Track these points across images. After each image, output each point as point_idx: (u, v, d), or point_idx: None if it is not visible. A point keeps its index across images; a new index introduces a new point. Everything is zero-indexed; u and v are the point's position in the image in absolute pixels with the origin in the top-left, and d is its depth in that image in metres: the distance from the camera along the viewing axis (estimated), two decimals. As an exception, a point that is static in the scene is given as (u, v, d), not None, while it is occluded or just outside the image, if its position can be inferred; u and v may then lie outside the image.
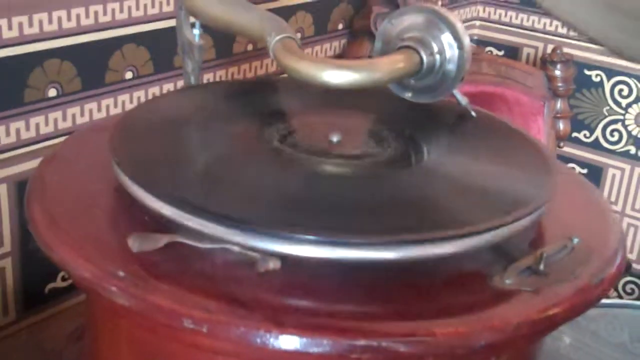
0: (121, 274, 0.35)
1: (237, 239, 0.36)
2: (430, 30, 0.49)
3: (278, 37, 0.50)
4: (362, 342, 0.34)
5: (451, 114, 0.52)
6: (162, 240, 0.36)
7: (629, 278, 1.25)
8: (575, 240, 0.41)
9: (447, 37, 0.48)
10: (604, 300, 1.08)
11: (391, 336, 0.34)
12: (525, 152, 0.49)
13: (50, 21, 0.67)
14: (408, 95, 0.51)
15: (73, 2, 0.68)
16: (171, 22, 0.76)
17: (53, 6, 0.66)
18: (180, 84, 0.80)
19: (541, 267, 0.38)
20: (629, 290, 1.27)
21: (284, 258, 0.36)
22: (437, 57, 0.49)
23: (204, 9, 0.59)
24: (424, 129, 0.51)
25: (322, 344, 0.34)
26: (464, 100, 0.51)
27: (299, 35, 0.92)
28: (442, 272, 0.38)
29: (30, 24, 0.65)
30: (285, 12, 0.89)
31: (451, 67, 0.48)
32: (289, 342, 0.33)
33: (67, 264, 0.37)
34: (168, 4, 0.76)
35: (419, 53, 0.48)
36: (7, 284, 0.71)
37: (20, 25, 0.64)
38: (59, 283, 0.76)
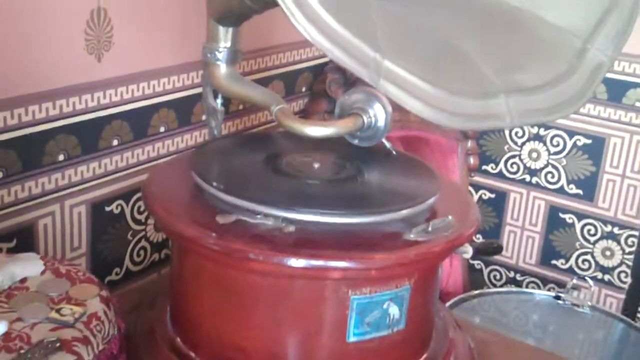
0: (213, 234, 0.67)
1: (272, 212, 0.68)
2: (369, 102, 0.82)
3: (277, 107, 0.83)
4: (335, 263, 0.66)
5: (381, 152, 0.86)
6: (232, 217, 0.68)
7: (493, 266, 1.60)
8: (450, 217, 0.75)
9: (378, 107, 0.82)
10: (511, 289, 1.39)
11: (351, 260, 0.67)
12: (425, 173, 0.83)
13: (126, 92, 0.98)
14: (355, 141, 0.84)
15: (127, 81, 1.00)
16: (187, 93, 1.09)
17: (119, 84, 0.98)
18: (196, 135, 1.13)
19: (429, 229, 0.72)
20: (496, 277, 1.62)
21: (296, 223, 0.69)
22: (372, 119, 0.82)
23: (224, 87, 0.91)
24: (364, 161, 0.84)
25: (314, 264, 0.66)
26: (388, 144, 0.85)
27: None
28: (380, 231, 0.71)
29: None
30: (265, 81, 1.22)
31: (381, 125, 0.82)
32: (299, 263, 0.66)
33: (179, 231, 0.69)
34: (188, 79, 1.09)
35: (362, 117, 0.81)
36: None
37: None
38: (113, 276, 1.07)
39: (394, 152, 0.86)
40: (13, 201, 0.89)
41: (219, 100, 0.92)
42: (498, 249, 1.19)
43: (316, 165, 0.80)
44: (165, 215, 0.71)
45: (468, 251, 1.09)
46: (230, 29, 0.88)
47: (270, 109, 0.83)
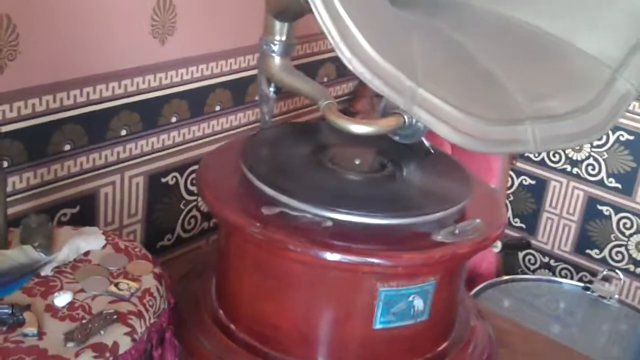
0: (258, 224, 0.74)
1: (311, 209, 0.75)
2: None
3: (325, 102, 0.88)
4: (366, 259, 0.73)
5: (420, 150, 0.91)
6: (276, 210, 0.75)
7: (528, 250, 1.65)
8: (477, 221, 0.80)
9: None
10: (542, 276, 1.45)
11: (382, 257, 0.73)
12: (459, 175, 0.88)
13: (186, 73, 1.05)
14: (396, 138, 0.90)
15: (187, 63, 1.07)
16: (242, 75, 1.15)
17: (180, 66, 1.05)
18: (249, 113, 1.19)
19: (457, 231, 0.78)
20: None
21: (333, 220, 0.75)
22: (413, 119, 0.87)
23: (277, 77, 0.97)
24: (404, 158, 0.89)
25: (347, 259, 0.73)
26: (427, 143, 0.90)
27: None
28: (410, 231, 0.77)
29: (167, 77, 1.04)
30: (317, 64, 1.28)
31: (420, 125, 0.87)
32: (333, 257, 0.72)
33: (227, 217, 0.76)
34: (244, 62, 1.15)
35: (403, 117, 0.86)
36: (137, 240, 1.10)
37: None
38: (165, 242, 1.15)
39: (432, 151, 0.91)
40: (78, 171, 0.97)
41: (272, 89, 0.98)
42: (526, 245, 1.24)
43: (357, 162, 0.86)
44: (215, 202, 0.78)
45: (497, 245, 1.15)
46: (286, 24, 0.94)
47: (318, 103, 0.89)
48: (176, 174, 1.10)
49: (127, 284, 0.70)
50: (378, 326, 0.77)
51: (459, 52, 0.67)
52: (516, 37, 0.70)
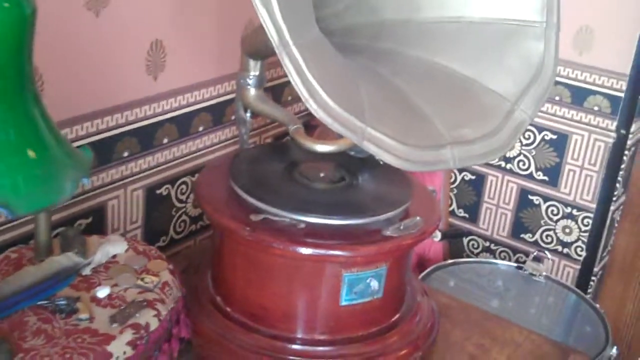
0: (247, 228, 0.95)
1: (288, 215, 0.96)
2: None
3: (294, 127, 1.09)
4: (332, 252, 0.95)
5: (372, 162, 1.13)
6: (261, 216, 0.96)
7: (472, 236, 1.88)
8: (418, 218, 1.02)
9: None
10: (484, 259, 1.68)
11: (345, 250, 0.95)
12: (404, 181, 1.10)
13: (175, 102, 1.25)
14: (352, 153, 1.11)
15: (175, 93, 1.27)
16: (221, 99, 1.36)
17: (170, 96, 1.25)
18: (226, 131, 1.40)
19: (402, 227, 1.00)
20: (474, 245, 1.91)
21: (305, 222, 0.97)
22: (365, 138, 1.09)
23: (252, 105, 1.17)
24: (359, 169, 1.11)
25: (318, 252, 0.94)
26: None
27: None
28: (365, 229, 0.99)
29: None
30: (284, 85, 1.50)
31: (371, 143, 1.09)
32: (306, 251, 0.94)
33: (222, 224, 0.97)
34: (222, 89, 1.36)
35: (357, 137, 1.08)
36: (138, 243, 1.30)
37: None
38: (160, 243, 1.35)
39: (382, 162, 1.13)
40: (90, 189, 1.17)
41: (248, 114, 1.19)
42: (461, 234, 1.47)
43: (322, 174, 1.07)
44: (213, 212, 0.99)
45: (437, 235, 1.39)
46: (259, 62, 1.15)
47: (288, 127, 1.10)
48: (168, 186, 1.31)
49: (150, 279, 0.90)
50: (343, 303, 0.99)
51: (396, 93, 0.90)
52: (439, 79, 0.93)
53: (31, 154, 0.66)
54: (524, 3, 0.96)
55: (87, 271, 0.90)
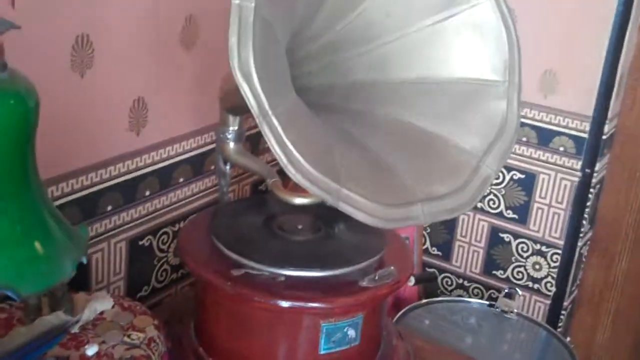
0: (229, 282, 0.99)
1: (268, 269, 1.01)
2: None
3: (272, 180, 1.15)
4: (311, 304, 0.99)
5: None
6: (242, 271, 1.01)
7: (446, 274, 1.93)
8: (392, 268, 1.07)
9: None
10: (457, 298, 1.73)
11: (322, 302, 0.99)
12: (377, 229, 1.15)
13: (156, 155, 1.30)
14: (328, 204, 1.17)
15: (157, 147, 1.31)
16: (200, 150, 1.41)
17: (152, 150, 1.30)
18: (206, 181, 1.45)
19: (377, 277, 1.05)
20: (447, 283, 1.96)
21: (285, 275, 1.01)
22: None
23: (232, 158, 1.23)
24: (335, 219, 1.16)
25: (296, 304, 0.99)
26: (352, 207, 1.18)
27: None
28: (342, 280, 1.04)
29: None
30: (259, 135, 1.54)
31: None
32: (286, 304, 0.98)
33: (205, 278, 1.02)
34: (201, 140, 1.41)
35: (332, 190, 1.14)
36: (121, 293, 1.34)
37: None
38: (143, 293, 1.39)
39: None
40: (75, 242, 1.20)
41: (228, 166, 1.24)
42: (433, 278, 1.52)
43: (299, 226, 1.12)
44: (195, 266, 1.03)
45: (411, 280, 1.44)
46: (237, 117, 1.20)
47: (266, 181, 1.15)
48: (150, 237, 1.34)
49: (137, 335, 0.94)
50: (322, 352, 1.03)
51: (368, 152, 0.95)
52: (408, 137, 0.98)
53: (37, 246, 0.70)
54: (487, 64, 1.03)
55: (75, 329, 0.94)
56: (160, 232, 1.36)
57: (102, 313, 0.99)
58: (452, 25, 1.03)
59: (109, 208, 1.24)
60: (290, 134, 0.84)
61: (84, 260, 0.79)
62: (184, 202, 1.39)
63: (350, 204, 0.86)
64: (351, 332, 1.05)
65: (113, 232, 1.26)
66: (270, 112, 0.81)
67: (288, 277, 1.01)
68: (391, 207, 0.89)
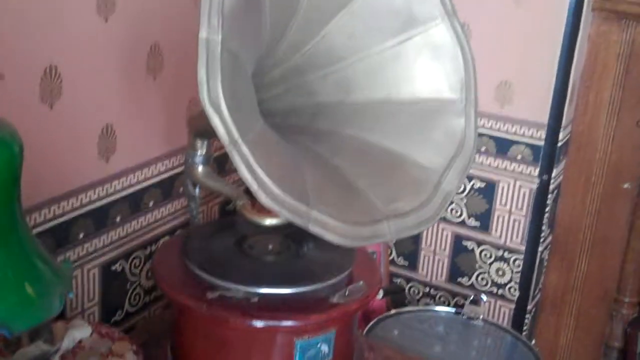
0: (204, 305, 1.02)
1: (241, 289, 1.04)
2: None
3: (241, 202, 1.18)
4: (284, 322, 1.02)
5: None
6: (216, 293, 1.03)
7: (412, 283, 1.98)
8: (361, 283, 1.11)
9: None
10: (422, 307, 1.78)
11: (295, 320, 1.03)
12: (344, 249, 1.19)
13: (126, 181, 1.32)
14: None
15: (126, 172, 1.33)
16: (169, 174, 1.43)
17: (121, 176, 1.32)
18: (175, 203, 1.47)
19: (347, 293, 1.08)
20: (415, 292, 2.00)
21: (258, 295, 1.04)
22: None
23: (200, 181, 1.25)
24: (304, 237, 1.19)
25: (270, 324, 1.02)
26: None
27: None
28: (313, 297, 1.07)
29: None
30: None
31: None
32: (260, 323, 1.01)
33: (180, 301, 1.04)
34: (170, 164, 1.43)
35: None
36: (96, 318, 1.35)
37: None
38: (117, 317, 1.41)
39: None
40: (49, 271, 1.22)
41: (197, 189, 1.26)
42: (400, 290, 1.56)
43: (270, 246, 1.15)
44: (170, 291, 1.06)
45: (379, 293, 1.47)
46: (205, 141, 1.23)
47: (236, 203, 1.18)
48: (122, 261, 1.36)
49: (116, 361, 0.97)
50: (297, 368, 1.07)
51: (335, 172, 0.99)
52: (373, 156, 1.02)
53: (28, 288, 0.72)
54: (445, 83, 1.07)
55: (56, 359, 0.96)
56: (132, 256, 1.38)
57: (80, 341, 1.01)
58: (412, 46, 1.07)
59: (81, 235, 1.26)
60: (259, 160, 0.87)
61: (71, 295, 0.82)
62: (154, 225, 1.41)
63: (320, 226, 0.89)
64: (324, 348, 1.08)
65: (86, 259, 1.28)
66: (239, 141, 0.85)
67: (261, 297, 1.04)
68: (358, 226, 0.93)
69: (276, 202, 0.86)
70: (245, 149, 0.85)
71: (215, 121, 0.83)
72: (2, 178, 0.71)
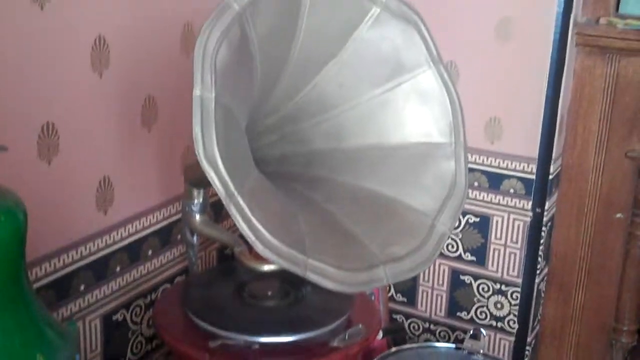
0: (207, 355, 1.04)
1: (243, 337, 1.05)
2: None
3: (239, 249, 1.20)
4: (288, 368, 1.04)
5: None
6: (218, 342, 1.05)
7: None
8: (360, 326, 1.13)
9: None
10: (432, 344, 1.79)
11: (297, 365, 1.04)
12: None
13: (125, 231, 1.34)
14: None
15: (124, 223, 1.35)
16: (167, 222, 1.45)
17: (120, 227, 1.34)
18: (174, 250, 1.49)
19: (347, 337, 1.10)
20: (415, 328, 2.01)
21: (259, 343, 1.06)
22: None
23: (198, 229, 1.27)
24: (303, 281, 1.21)
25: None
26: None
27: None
28: (314, 342, 1.09)
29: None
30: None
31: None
32: (264, 370, 1.03)
33: (183, 352, 1.05)
34: (167, 212, 1.45)
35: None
36: (99, 369, 1.36)
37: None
38: (118, 366, 1.42)
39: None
40: (51, 324, 1.23)
41: (195, 237, 1.28)
42: (400, 328, 1.57)
43: (269, 293, 1.17)
44: (172, 341, 1.08)
45: (379, 334, 1.49)
46: (202, 190, 1.25)
47: (233, 250, 1.20)
48: (123, 310, 1.38)
49: (121, 413, 0.98)
50: (301, 411, 1.08)
51: (330, 219, 1.01)
52: (366, 201, 1.05)
53: (37, 356, 0.72)
54: (434, 127, 1.10)
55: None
56: (133, 305, 1.40)
57: (84, 394, 1.02)
58: (400, 93, 1.10)
59: (82, 287, 1.28)
60: (255, 211, 0.89)
61: (77, 358, 0.83)
62: (154, 273, 1.43)
63: (317, 273, 0.91)
64: (324, 390, 1.09)
65: (87, 310, 1.29)
66: (235, 193, 0.87)
67: (262, 344, 1.06)
68: (355, 272, 0.95)
69: (273, 252, 0.88)
70: (241, 201, 0.87)
71: (212, 175, 0.85)
72: (9, 249, 0.73)
